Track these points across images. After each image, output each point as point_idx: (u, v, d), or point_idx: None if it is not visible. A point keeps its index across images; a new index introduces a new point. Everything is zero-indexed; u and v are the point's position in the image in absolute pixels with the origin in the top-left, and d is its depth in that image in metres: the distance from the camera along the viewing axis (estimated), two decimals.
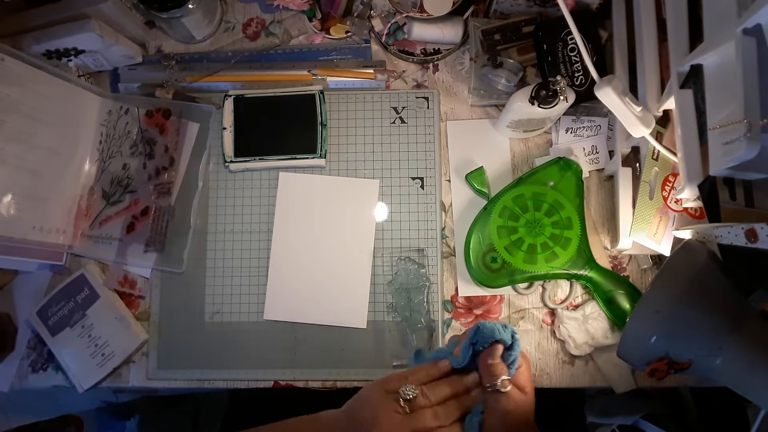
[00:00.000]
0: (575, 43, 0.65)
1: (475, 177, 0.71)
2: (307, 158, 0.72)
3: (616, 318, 0.67)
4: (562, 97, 0.61)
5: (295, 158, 0.72)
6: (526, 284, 0.69)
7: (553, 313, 0.70)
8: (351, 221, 0.72)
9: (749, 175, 0.47)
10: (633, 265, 0.71)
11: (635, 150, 0.68)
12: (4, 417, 0.77)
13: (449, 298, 0.71)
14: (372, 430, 0.51)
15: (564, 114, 0.69)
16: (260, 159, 0.72)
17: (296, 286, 0.71)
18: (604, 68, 0.69)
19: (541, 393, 0.69)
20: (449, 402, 0.54)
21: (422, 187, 0.73)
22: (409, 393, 0.52)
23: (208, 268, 0.73)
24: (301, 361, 0.70)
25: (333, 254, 0.72)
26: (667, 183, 0.64)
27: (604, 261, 0.69)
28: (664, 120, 0.64)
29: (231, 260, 0.73)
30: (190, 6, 0.69)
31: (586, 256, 0.66)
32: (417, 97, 0.75)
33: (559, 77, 0.61)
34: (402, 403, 0.52)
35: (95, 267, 0.73)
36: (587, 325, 0.67)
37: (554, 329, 0.69)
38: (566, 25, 0.58)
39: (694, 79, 0.54)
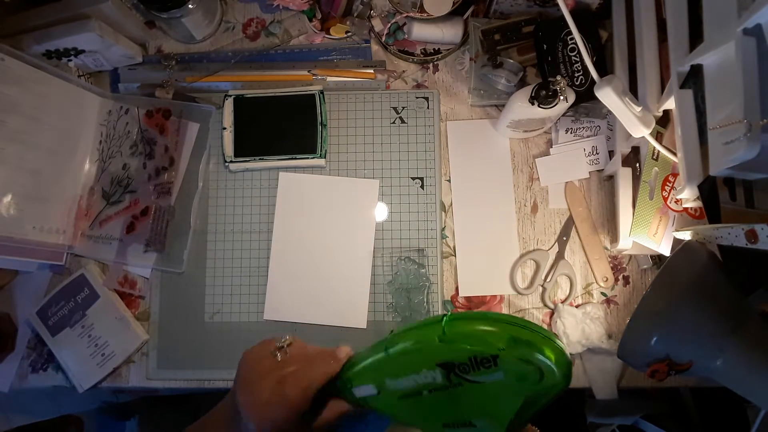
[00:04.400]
0: (575, 43, 0.65)
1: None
2: (307, 158, 0.72)
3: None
4: (562, 97, 0.61)
5: (295, 158, 0.72)
6: (526, 284, 0.69)
7: (553, 313, 0.70)
8: (351, 221, 0.72)
9: (749, 175, 0.47)
10: (633, 265, 0.71)
11: (635, 150, 0.68)
12: (4, 417, 0.77)
13: (449, 298, 0.71)
14: (245, 383, 0.47)
15: (564, 114, 0.69)
16: (260, 159, 0.72)
17: (296, 286, 0.71)
18: (604, 68, 0.69)
19: None
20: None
21: (422, 187, 0.73)
22: (284, 342, 0.49)
23: (208, 268, 0.73)
24: None
25: (333, 254, 0.72)
26: (667, 183, 0.63)
27: (603, 261, 0.69)
28: (664, 120, 0.64)
29: (231, 260, 0.73)
30: (190, 6, 0.69)
31: None
32: (417, 97, 0.75)
33: (559, 77, 0.61)
34: (276, 351, 0.48)
35: (95, 267, 0.73)
36: (584, 324, 0.67)
37: (551, 324, 0.69)
38: (566, 25, 0.58)
39: (694, 79, 0.54)
